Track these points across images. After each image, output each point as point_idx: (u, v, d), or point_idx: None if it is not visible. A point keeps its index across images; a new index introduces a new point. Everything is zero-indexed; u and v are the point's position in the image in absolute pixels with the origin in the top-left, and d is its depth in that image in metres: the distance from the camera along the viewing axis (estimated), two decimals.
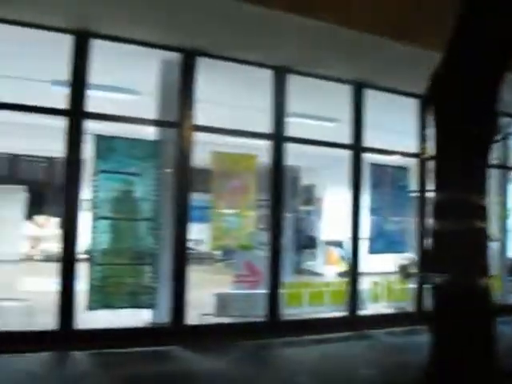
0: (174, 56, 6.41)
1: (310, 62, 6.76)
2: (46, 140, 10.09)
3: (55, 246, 12.13)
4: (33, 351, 5.48)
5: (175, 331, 6.24)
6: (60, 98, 5.91)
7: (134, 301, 6.09)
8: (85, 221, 5.92)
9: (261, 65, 6.76)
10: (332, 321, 7.25)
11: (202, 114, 6.40)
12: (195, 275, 6.61)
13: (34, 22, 5.63)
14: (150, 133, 6.76)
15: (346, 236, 7.79)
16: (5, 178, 15.82)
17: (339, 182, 8.96)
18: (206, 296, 7.09)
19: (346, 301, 7.38)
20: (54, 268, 5.87)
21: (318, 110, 9.04)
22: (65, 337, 5.75)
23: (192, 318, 6.39)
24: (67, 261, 5.83)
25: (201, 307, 6.80)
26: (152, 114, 6.60)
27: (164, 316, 6.23)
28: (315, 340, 6.68)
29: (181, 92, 6.42)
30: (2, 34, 5.74)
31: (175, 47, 6.34)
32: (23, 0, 5.16)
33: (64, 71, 5.87)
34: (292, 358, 6.00)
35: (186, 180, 6.37)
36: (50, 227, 15.31)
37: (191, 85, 6.42)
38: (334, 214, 12.60)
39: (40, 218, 15.86)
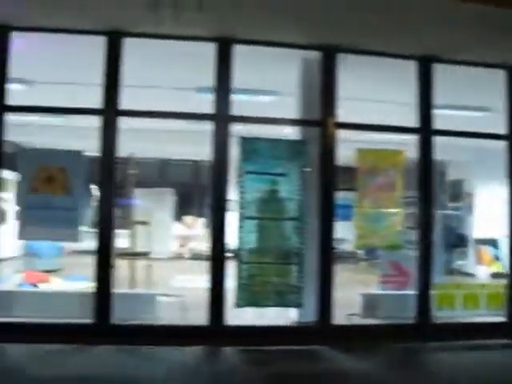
0: (314, 54, 6.39)
1: (458, 48, 6.30)
2: (193, 144, 10.62)
3: (203, 245, 12.78)
4: (185, 345, 5.75)
5: (321, 331, 6.21)
6: (205, 103, 6.17)
7: (280, 299, 6.16)
8: (231, 221, 6.10)
9: (404, 56, 6.48)
10: (489, 326, 6.66)
11: (344, 111, 6.30)
12: (340, 274, 6.52)
13: (180, 34, 5.96)
14: (292, 133, 6.82)
15: (501, 234, 7.20)
16: (155, 182, 16.87)
17: (493, 175, 8.36)
18: (351, 296, 6.97)
19: (504, 305, 6.80)
20: (202, 266, 6.14)
21: (467, 99, 8.47)
22: (215, 332, 5.99)
23: (338, 318, 6.31)
24: (216, 259, 6.06)
25: (346, 307, 6.69)
26: (294, 114, 6.66)
27: (310, 315, 6.22)
28: (470, 346, 6.23)
29: (322, 90, 6.37)
30: (155, 47, 6.20)
31: (315, 46, 6.31)
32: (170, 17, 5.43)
33: (208, 78, 6.11)
34: (446, 365, 5.63)
35: (330, 178, 6.31)
36: (197, 227, 16.14)
37: (333, 82, 6.34)
38: (486, 210, 11.76)
39: (188, 219, 16.75)
